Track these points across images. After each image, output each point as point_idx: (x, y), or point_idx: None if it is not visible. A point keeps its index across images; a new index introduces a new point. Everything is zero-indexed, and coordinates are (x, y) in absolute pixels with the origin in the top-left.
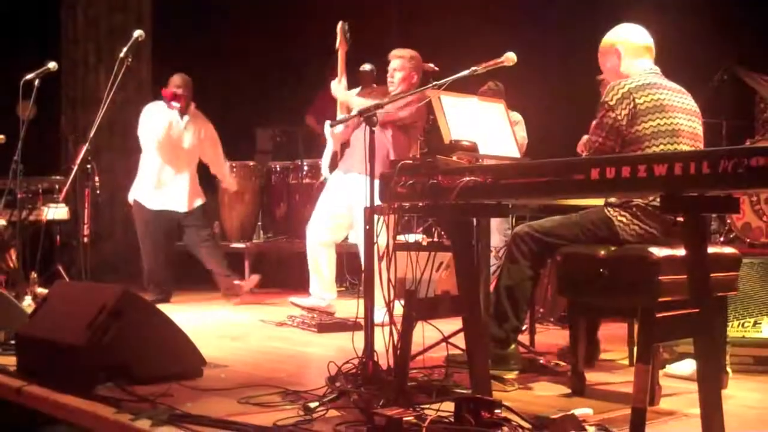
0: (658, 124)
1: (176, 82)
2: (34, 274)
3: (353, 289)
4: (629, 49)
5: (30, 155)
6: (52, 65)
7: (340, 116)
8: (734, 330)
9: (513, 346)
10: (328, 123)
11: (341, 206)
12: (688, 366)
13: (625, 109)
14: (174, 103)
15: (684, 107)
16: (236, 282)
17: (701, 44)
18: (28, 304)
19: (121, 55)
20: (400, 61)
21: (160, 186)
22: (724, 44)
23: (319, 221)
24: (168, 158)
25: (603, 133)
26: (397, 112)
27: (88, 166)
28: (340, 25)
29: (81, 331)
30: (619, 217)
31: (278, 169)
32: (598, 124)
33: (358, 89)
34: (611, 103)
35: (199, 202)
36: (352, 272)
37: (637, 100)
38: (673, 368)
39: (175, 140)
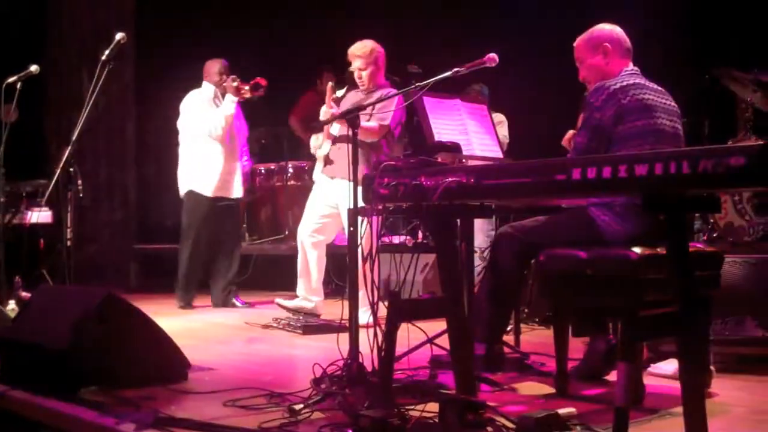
0: (644, 124)
1: (218, 69)
2: (17, 278)
3: (338, 291)
4: (617, 48)
5: (13, 159)
6: (35, 68)
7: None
8: (717, 329)
9: (498, 346)
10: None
11: (330, 207)
12: (671, 365)
13: (610, 110)
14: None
15: (665, 107)
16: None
17: (683, 44)
18: (11, 308)
19: (104, 58)
20: (361, 61)
21: (219, 173)
22: (706, 45)
23: (309, 222)
24: (225, 145)
25: (588, 134)
26: (381, 129)
27: (71, 169)
28: (329, 85)
29: (64, 334)
30: (602, 217)
31: (263, 171)
32: (583, 125)
33: (344, 89)
34: (597, 105)
35: (242, 192)
36: (337, 274)
37: (622, 101)
38: (656, 367)
39: (231, 126)
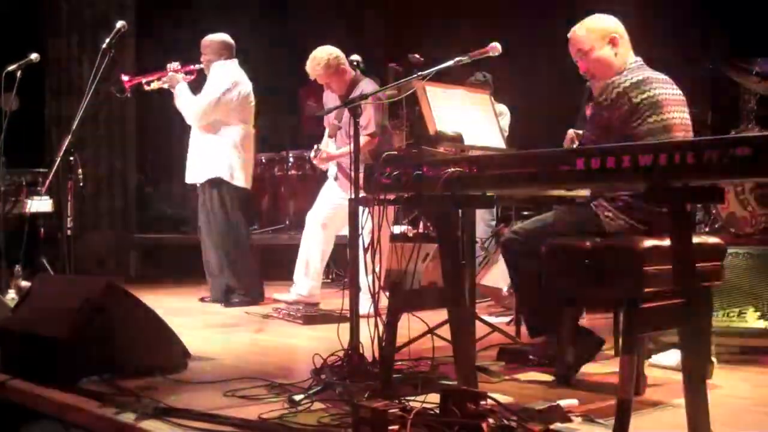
0: (654, 121)
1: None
2: (17, 267)
3: (338, 280)
4: (625, 40)
5: (13, 147)
6: (35, 56)
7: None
8: (719, 320)
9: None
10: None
11: (342, 198)
12: (673, 356)
13: (618, 110)
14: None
15: (674, 99)
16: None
17: (685, 34)
18: (11, 297)
19: (104, 46)
20: (320, 77)
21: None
22: (708, 34)
23: (320, 209)
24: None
25: (597, 131)
26: (371, 139)
27: (71, 158)
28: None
29: (65, 324)
30: (606, 212)
31: (263, 160)
32: (591, 120)
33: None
34: (605, 104)
35: (209, 175)
36: (337, 264)
37: (633, 100)
38: (658, 358)
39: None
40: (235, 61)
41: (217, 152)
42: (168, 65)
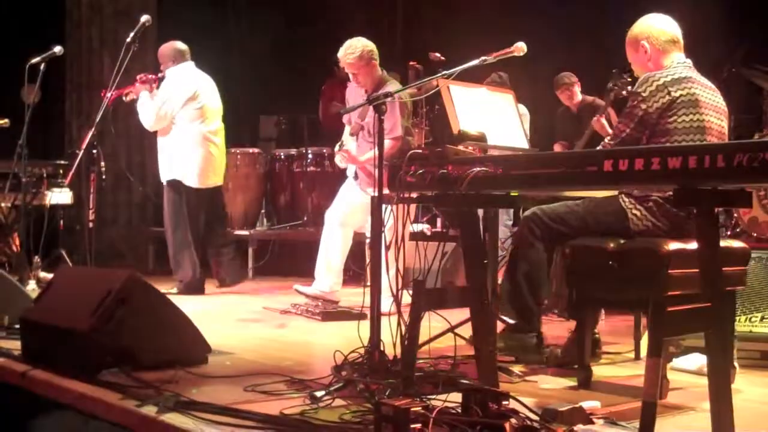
0: (690, 119)
1: None
2: (37, 259)
3: (356, 278)
4: (656, 45)
5: (34, 139)
6: (58, 49)
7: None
8: (741, 325)
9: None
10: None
11: (361, 196)
12: (694, 360)
13: (657, 102)
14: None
15: (714, 104)
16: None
17: (708, 38)
18: (31, 288)
19: (128, 40)
20: (353, 67)
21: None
22: (731, 38)
23: (340, 206)
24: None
25: (631, 124)
26: (395, 142)
27: (94, 150)
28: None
29: (86, 316)
30: (634, 211)
31: (282, 156)
32: (627, 113)
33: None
34: (644, 95)
35: (167, 177)
36: (357, 261)
37: (673, 94)
38: (679, 362)
39: None
40: (187, 65)
41: (173, 155)
42: (137, 77)
